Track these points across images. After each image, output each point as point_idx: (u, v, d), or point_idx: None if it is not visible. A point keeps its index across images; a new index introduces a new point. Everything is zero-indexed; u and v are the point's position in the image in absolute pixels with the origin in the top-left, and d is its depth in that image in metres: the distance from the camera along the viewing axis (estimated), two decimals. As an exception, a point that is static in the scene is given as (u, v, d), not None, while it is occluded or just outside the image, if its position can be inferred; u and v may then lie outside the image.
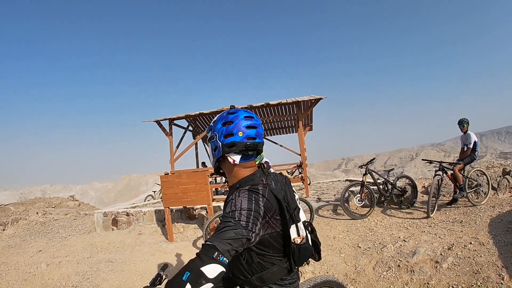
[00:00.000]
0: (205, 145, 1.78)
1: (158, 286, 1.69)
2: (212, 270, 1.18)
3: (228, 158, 1.59)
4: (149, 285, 1.67)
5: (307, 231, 1.70)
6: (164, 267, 1.97)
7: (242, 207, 1.40)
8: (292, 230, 1.56)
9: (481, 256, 3.93)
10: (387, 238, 5.08)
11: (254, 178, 1.59)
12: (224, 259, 1.22)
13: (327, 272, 4.31)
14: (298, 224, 1.61)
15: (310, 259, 1.75)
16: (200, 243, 6.57)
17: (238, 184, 1.60)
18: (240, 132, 1.56)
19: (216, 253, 1.21)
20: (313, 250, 1.73)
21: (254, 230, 1.36)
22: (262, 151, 1.68)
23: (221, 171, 1.76)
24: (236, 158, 1.58)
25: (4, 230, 10.39)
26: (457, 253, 4.07)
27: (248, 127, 1.58)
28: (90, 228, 9.44)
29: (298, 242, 1.58)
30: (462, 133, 6.67)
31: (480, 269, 3.64)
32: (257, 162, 1.70)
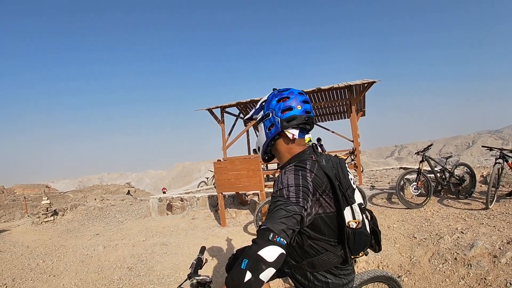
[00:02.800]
0: (256, 129, 1.73)
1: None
2: (270, 253, 1.12)
3: (287, 133, 1.56)
4: (192, 271, 1.71)
5: (364, 216, 1.57)
6: (202, 250, 2.02)
7: (289, 184, 1.35)
8: (347, 212, 1.48)
9: (542, 251, 3.84)
10: (444, 229, 5.04)
11: (304, 155, 1.56)
12: (281, 239, 1.16)
13: (381, 262, 4.42)
14: (353, 206, 1.51)
15: (368, 250, 1.65)
16: (251, 228, 6.84)
17: (287, 163, 1.58)
18: (299, 106, 1.56)
19: (271, 234, 1.16)
20: (370, 238, 1.60)
21: (305, 207, 1.31)
22: (313, 127, 1.69)
23: (267, 156, 1.74)
24: (295, 132, 1.57)
25: (63, 215, 11.26)
26: (516, 248, 4.01)
27: (304, 101, 1.59)
28: (146, 213, 10.06)
29: (354, 227, 1.47)
30: (525, 119, 6.33)
31: (541, 265, 3.58)
32: (308, 142, 1.70)
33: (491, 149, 6.35)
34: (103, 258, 6.11)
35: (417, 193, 6.61)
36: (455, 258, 4.10)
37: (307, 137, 1.67)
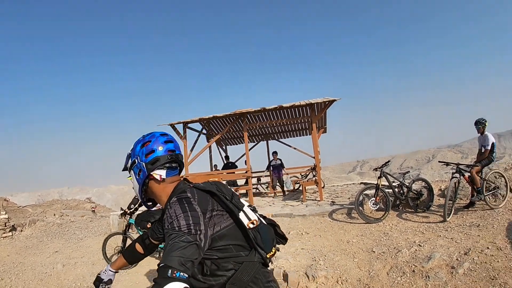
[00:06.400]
0: (133, 177, 1.68)
1: None
2: None
3: (154, 175, 1.58)
4: None
5: (257, 215, 1.62)
6: (108, 281, 1.92)
7: (178, 214, 1.34)
8: (242, 217, 1.51)
9: (498, 261, 3.83)
10: (402, 243, 4.99)
11: (180, 187, 1.58)
12: (181, 274, 1.15)
13: (340, 277, 4.25)
14: (244, 209, 1.56)
15: (279, 246, 1.68)
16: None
17: (168, 201, 1.55)
18: (160, 147, 1.60)
19: (170, 270, 1.15)
20: (273, 231, 1.66)
21: (198, 232, 1.30)
22: (183, 164, 1.74)
23: (149, 203, 1.75)
24: (162, 172, 1.59)
25: (22, 231, 10.63)
26: (473, 258, 3.97)
27: (166, 141, 1.63)
28: (106, 229, 9.56)
29: (253, 226, 1.52)
30: (479, 134, 6.52)
31: (497, 275, 3.54)
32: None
33: (447, 164, 6.46)
34: (62, 276, 5.96)
35: (376, 208, 6.60)
36: (413, 271, 4.02)
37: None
